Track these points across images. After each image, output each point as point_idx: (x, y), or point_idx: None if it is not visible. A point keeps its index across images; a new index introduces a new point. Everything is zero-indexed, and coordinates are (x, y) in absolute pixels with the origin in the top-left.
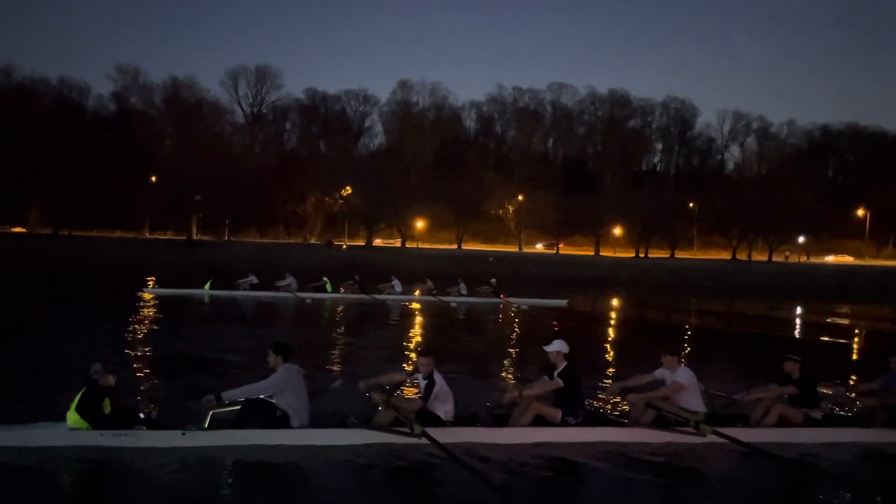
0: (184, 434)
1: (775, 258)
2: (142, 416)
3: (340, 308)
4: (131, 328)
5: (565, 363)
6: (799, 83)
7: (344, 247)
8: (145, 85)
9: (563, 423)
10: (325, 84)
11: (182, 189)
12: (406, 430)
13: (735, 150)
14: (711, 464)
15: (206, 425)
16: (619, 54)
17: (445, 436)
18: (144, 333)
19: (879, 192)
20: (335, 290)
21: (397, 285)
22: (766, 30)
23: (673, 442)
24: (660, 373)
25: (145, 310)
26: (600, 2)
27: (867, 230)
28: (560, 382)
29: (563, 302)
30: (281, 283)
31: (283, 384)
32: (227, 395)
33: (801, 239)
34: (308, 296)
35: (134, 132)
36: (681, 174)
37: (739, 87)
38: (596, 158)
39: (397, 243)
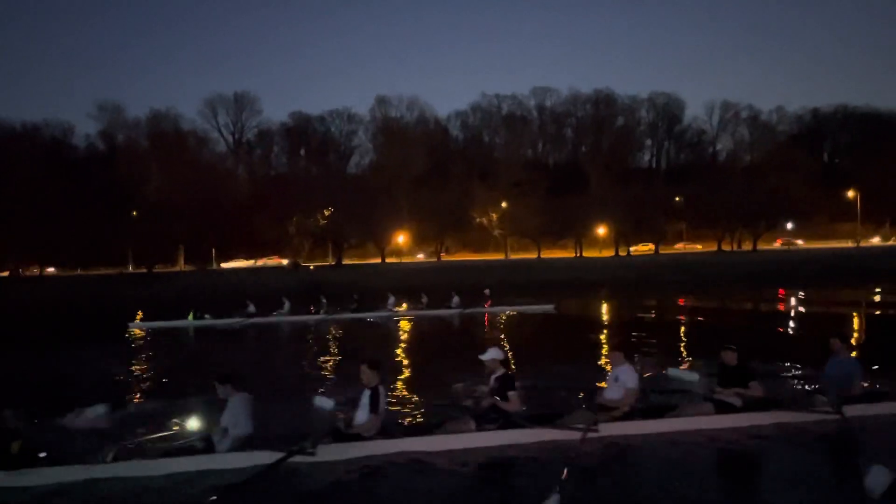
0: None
1: (769, 246)
2: (42, 455)
3: (294, 331)
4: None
5: (502, 370)
6: (787, 68)
7: (311, 267)
8: (127, 120)
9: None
10: (308, 107)
11: (167, 221)
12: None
13: (727, 141)
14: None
15: (108, 459)
16: (601, 53)
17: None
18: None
19: (872, 173)
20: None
21: (391, 302)
22: (748, 16)
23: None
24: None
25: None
26: (576, 2)
27: (859, 212)
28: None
29: (550, 307)
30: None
31: None
32: None
33: (788, 225)
34: (266, 320)
35: (118, 168)
36: (672, 169)
37: (726, 77)
38: (586, 160)
39: (375, 260)
